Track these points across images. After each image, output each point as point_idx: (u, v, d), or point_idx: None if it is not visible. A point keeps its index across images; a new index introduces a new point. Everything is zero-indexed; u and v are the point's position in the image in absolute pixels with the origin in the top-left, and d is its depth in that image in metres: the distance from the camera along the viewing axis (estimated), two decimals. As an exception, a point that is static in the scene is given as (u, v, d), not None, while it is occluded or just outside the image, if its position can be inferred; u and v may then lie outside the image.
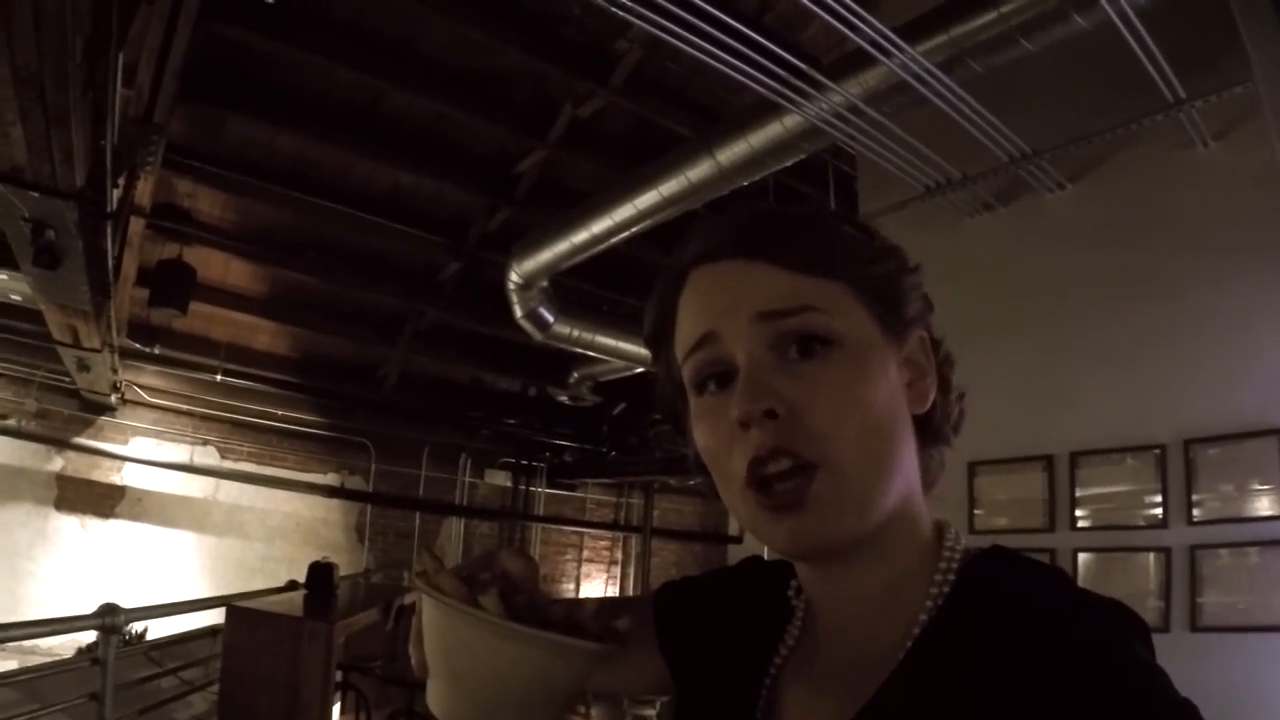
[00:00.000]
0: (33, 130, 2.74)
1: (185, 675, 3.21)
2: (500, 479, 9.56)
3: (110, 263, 4.11)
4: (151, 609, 3.14)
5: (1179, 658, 0.68)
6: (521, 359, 8.65)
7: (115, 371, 6.46)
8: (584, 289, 7.10)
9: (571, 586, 10.17)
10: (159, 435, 7.48)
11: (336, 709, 3.05)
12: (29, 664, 3.30)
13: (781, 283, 0.53)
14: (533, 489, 9.78)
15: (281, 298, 7.52)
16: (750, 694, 0.61)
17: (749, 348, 0.53)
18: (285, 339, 7.96)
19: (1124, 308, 3.58)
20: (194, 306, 6.61)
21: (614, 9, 3.11)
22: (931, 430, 0.59)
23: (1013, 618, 0.49)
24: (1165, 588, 3.27)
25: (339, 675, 3.03)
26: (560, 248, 5.38)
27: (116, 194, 3.60)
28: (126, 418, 7.36)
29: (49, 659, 3.45)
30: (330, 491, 8.19)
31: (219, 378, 7.43)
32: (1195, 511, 3.28)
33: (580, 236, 5.19)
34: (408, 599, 3.81)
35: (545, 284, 5.99)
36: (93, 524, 7.06)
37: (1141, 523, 3.43)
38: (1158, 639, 0.49)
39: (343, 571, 3.99)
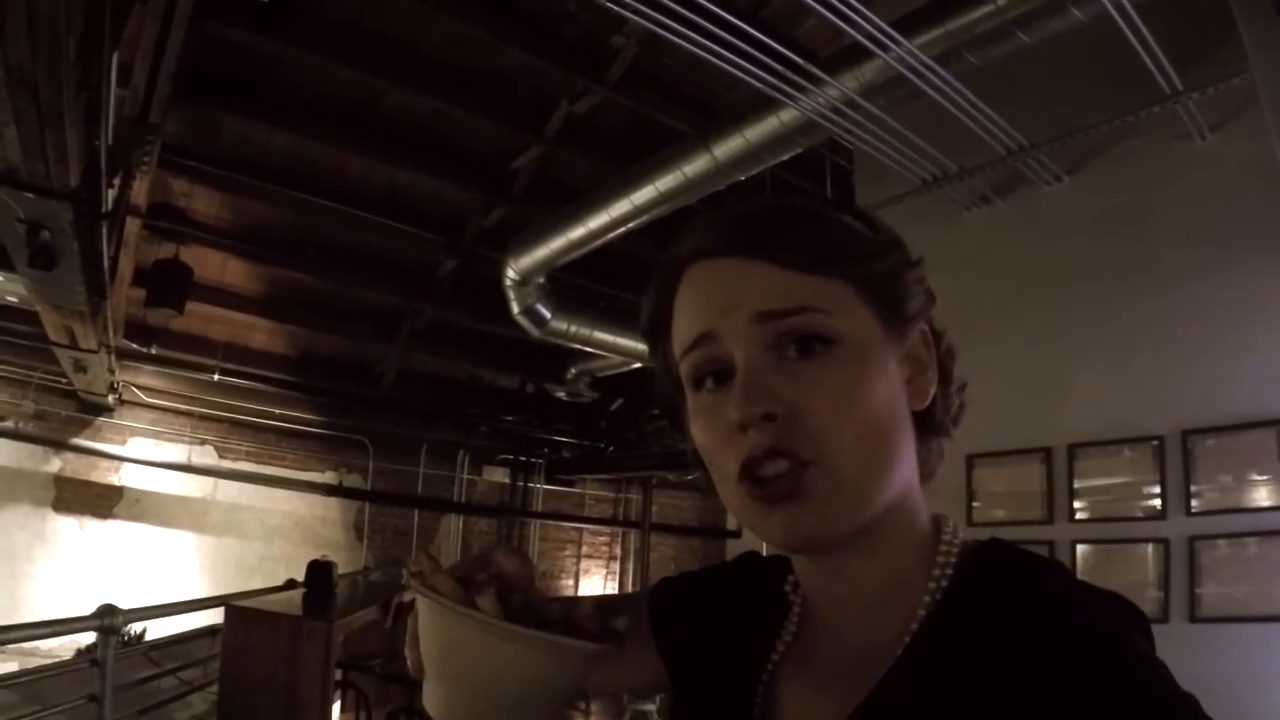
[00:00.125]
0: (27, 131, 2.73)
1: (184, 675, 3.21)
2: (498, 475, 9.57)
3: (106, 263, 4.10)
4: (150, 609, 3.14)
5: (1178, 649, 0.68)
6: (519, 355, 8.65)
7: (112, 372, 6.44)
8: (581, 285, 7.10)
9: (570, 582, 10.18)
10: (157, 435, 7.47)
11: (336, 707, 3.05)
12: (28, 666, 3.30)
13: (780, 282, 0.53)
14: (531, 485, 9.79)
15: (279, 297, 7.51)
16: (748, 690, 0.61)
17: (747, 348, 0.52)
18: (283, 338, 7.96)
19: (1122, 300, 3.58)
20: (191, 306, 6.59)
21: (610, 5, 3.10)
22: (931, 424, 0.59)
23: (1011, 611, 0.49)
24: (1164, 579, 3.28)
25: (338, 674, 3.03)
26: (557, 244, 5.37)
27: (112, 194, 3.59)
28: (124, 418, 7.34)
29: (48, 660, 3.45)
30: (328, 490, 8.19)
31: (216, 377, 7.42)
32: (1193, 502, 3.29)
33: (577, 232, 5.19)
34: (406, 596, 3.81)
35: (542, 280, 5.99)
36: (91, 525, 7.05)
37: (1140, 514, 3.43)
38: (1156, 630, 0.49)
39: (341, 570, 3.99)
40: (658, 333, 0.61)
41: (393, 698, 3.47)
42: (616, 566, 10.65)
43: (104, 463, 7.19)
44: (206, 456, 7.70)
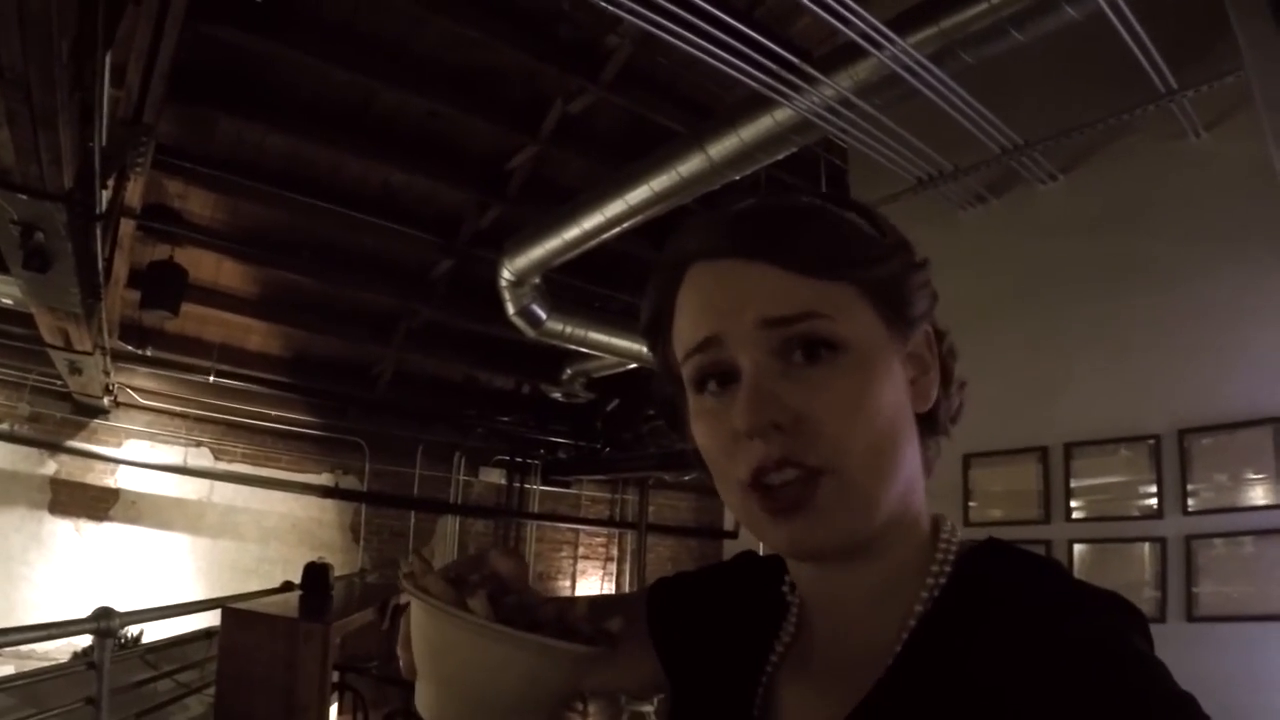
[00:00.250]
0: (20, 132, 2.72)
1: (181, 678, 3.20)
2: (495, 477, 9.56)
3: (100, 265, 4.09)
4: (147, 612, 3.12)
5: (1175, 648, 0.68)
6: (515, 356, 8.63)
7: (107, 374, 6.43)
8: (576, 285, 7.09)
9: (567, 583, 10.18)
10: (152, 437, 7.45)
11: (333, 710, 3.04)
12: (25, 669, 3.29)
13: (785, 287, 0.52)
14: (527, 486, 9.78)
15: (274, 298, 7.50)
16: (746, 691, 0.61)
17: (753, 355, 0.51)
18: (278, 339, 7.94)
19: (1117, 298, 3.58)
20: (186, 308, 6.59)
21: (605, 4, 3.10)
22: (933, 424, 0.59)
23: (1009, 611, 0.49)
24: (1161, 578, 3.28)
25: (335, 675, 3.02)
26: (552, 244, 5.36)
27: (106, 195, 3.59)
28: (119, 420, 7.33)
29: (45, 663, 3.44)
30: (325, 491, 8.17)
31: (212, 379, 7.40)
32: (1190, 501, 3.29)
33: (572, 233, 5.18)
34: (403, 598, 3.81)
35: (537, 281, 5.98)
36: (87, 527, 7.03)
37: (1136, 513, 3.43)
38: (1154, 629, 0.48)
39: (338, 571, 3.98)
40: (658, 332, 0.60)
41: (390, 699, 3.46)
42: (613, 567, 10.65)
43: (99, 465, 7.17)
44: (202, 458, 7.68)
